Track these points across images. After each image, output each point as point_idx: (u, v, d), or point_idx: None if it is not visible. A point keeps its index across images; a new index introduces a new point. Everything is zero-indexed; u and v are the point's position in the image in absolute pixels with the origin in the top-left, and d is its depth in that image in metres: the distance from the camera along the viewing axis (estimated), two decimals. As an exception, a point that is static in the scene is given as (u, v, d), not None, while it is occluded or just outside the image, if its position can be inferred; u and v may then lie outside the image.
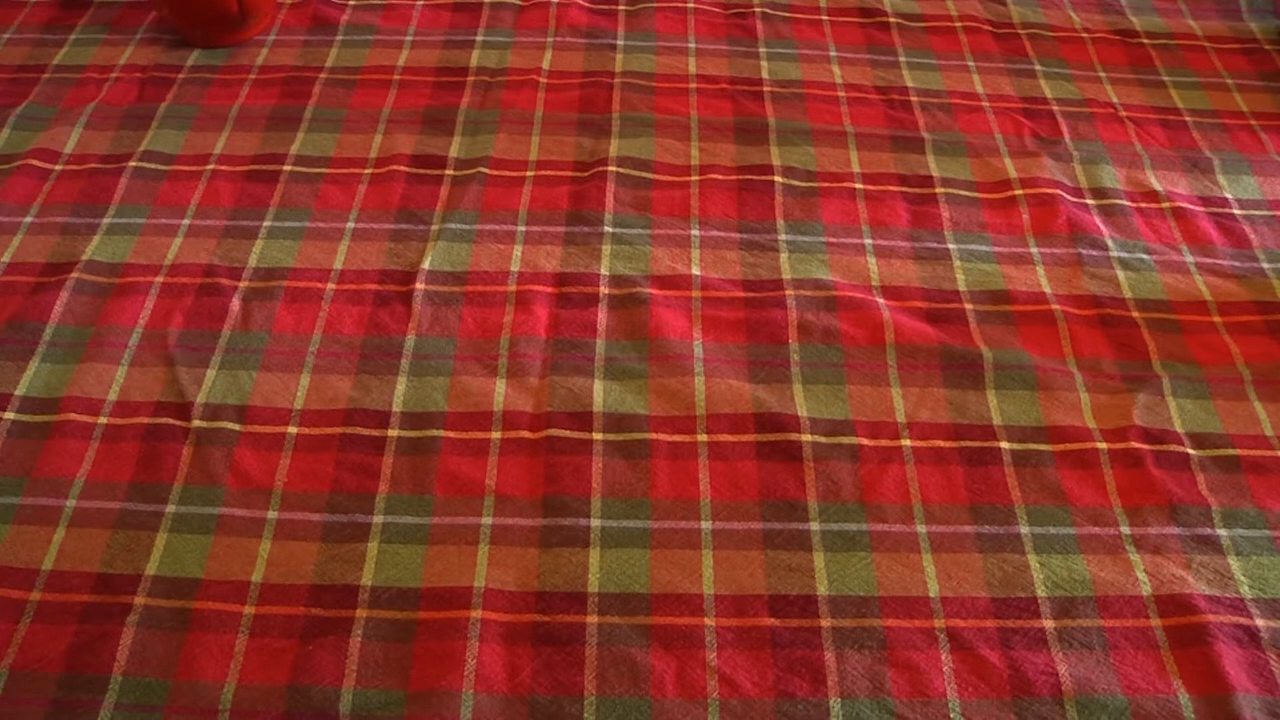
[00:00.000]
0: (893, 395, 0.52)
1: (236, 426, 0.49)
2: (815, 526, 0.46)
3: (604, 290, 0.56)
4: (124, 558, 0.45)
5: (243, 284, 0.56)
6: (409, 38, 0.73)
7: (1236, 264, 0.59)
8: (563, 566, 0.45)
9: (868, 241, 0.59)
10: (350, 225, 0.59)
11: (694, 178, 0.63)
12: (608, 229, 0.59)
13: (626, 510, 0.47)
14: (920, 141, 0.66)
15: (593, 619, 0.43)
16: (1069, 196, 0.62)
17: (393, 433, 0.49)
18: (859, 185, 0.63)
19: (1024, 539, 0.46)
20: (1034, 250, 0.59)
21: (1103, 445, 0.50)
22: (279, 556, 0.45)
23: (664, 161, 0.64)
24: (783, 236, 0.59)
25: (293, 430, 0.49)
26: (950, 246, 0.59)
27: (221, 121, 0.66)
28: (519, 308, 0.55)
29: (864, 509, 0.47)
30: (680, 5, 0.76)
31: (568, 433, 0.49)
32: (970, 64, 0.72)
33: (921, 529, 0.46)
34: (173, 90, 0.68)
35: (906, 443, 0.50)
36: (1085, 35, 0.76)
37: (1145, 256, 0.59)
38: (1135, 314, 0.56)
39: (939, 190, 0.62)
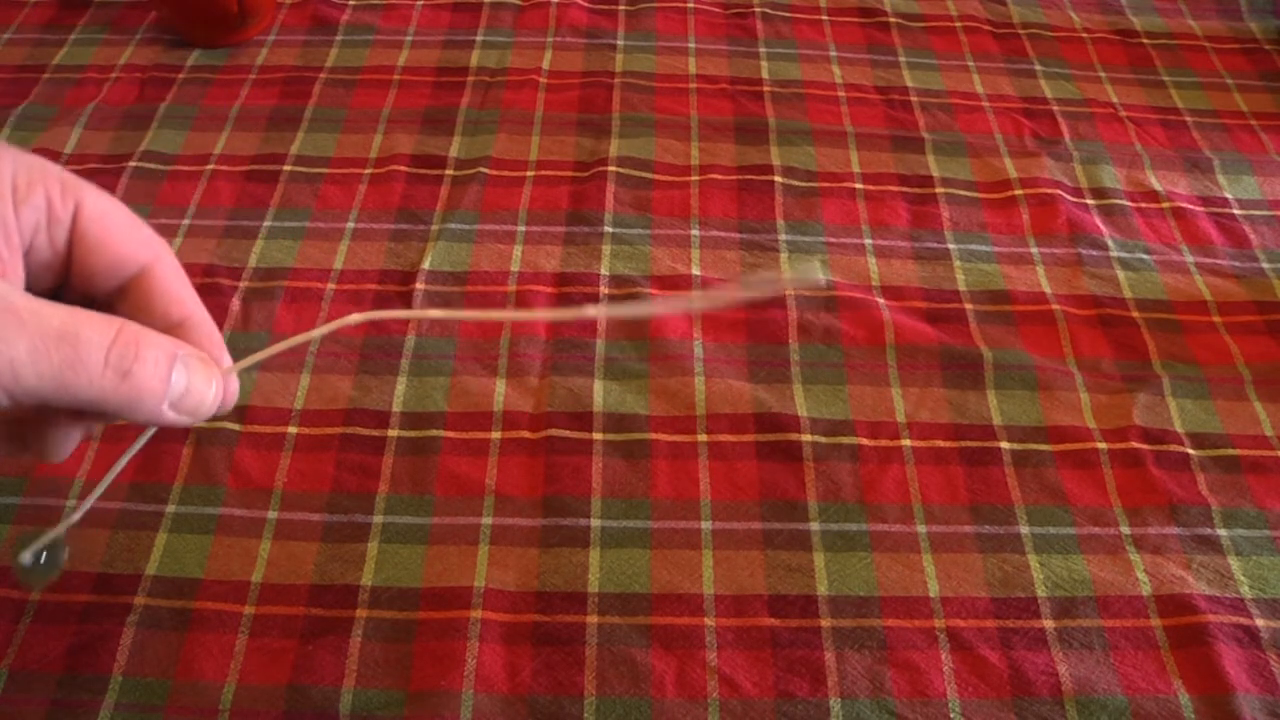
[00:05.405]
0: (893, 395, 0.51)
1: (236, 426, 0.49)
2: (815, 526, 0.46)
3: (604, 290, 0.56)
4: (124, 558, 0.45)
5: (242, 284, 0.56)
6: (409, 38, 0.73)
7: (1236, 264, 0.59)
8: (563, 566, 0.45)
9: (868, 241, 0.59)
10: (350, 225, 0.59)
11: (694, 178, 0.63)
12: (608, 229, 0.59)
13: (626, 510, 0.47)
14: (920, 141, 0.66)
15: (593, 619, 0.43)
16: (1069, 196, 0.62)
17: (393, 433, 0.49)
18: (859, 185, 0.63)
19: (1024, 539, 0.46)
20: (1034, 250, 0.59)
21: (1103, 445, 0.50)
22: (279, 556, 0.45)
23: (664, 161, 0.63)
24: (783, 236, 0.59)
25: (293, 430, 0.49)
26: (950, 246, 0.59)
27: (221, 121, 0.65)
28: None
29: (864, 509, 0.47)
30: (680, 5, 0.76)
31: (568, 433, 0.49)
32: (970, 64, 0.72)
33: (921, 529, 0.46)
34: (173, 90, 0.68)
35: (906, 443, 0.49)
36: (1085, 35, 0.75)
37: (1145, 256, 0.59)
38: (1135, 314, 0.56)
39: (939, 190, 0.62)
